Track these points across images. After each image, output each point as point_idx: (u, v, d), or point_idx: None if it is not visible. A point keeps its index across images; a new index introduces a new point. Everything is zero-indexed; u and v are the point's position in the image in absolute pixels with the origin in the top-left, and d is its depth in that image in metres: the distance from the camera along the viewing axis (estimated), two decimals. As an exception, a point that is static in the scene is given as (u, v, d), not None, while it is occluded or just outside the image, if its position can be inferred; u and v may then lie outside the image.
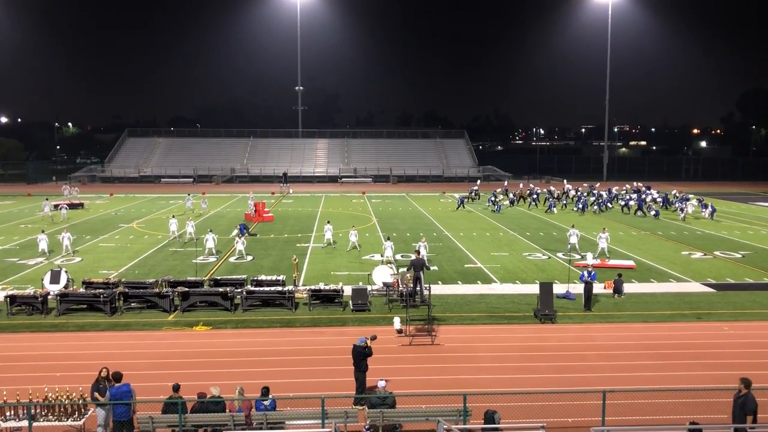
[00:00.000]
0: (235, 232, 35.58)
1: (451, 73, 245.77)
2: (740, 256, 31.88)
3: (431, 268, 24.10)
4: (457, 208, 50.88)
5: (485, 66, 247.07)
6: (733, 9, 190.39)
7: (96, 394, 12.65)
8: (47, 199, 46.77)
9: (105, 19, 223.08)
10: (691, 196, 52.24)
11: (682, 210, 45.84)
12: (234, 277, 24.70)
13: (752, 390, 11.65)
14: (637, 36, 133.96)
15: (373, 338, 15.17)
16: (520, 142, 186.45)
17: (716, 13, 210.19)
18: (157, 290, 22.37)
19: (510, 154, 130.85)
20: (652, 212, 47.14)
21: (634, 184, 59.76)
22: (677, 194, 53.12)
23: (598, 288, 23.94)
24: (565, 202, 52.41)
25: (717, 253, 32.63)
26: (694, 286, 25.69)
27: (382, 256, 29.36)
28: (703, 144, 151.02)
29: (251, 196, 50.29)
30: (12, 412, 12.49)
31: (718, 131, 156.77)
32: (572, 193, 56.49)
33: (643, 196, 53.02)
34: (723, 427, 13.01)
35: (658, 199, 52.68)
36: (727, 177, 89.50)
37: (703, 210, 46.62)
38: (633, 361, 17.41)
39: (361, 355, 14.66)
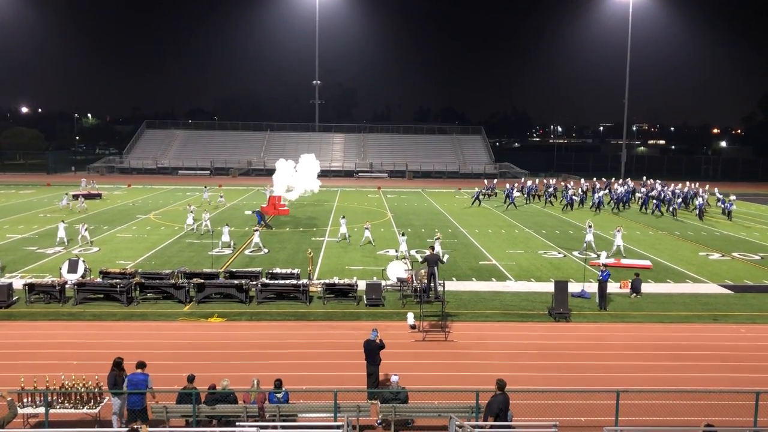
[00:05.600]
0: (249, 212, 36.27)
1: (469, 69, 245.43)
2: (759, 257, 31.50)
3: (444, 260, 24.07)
4: (472, 204, 50.78)
5: (503, 62, 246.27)
6: (755, 6, 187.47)
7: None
8: (66, 193, 47.19)
9: (126, 10, 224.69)
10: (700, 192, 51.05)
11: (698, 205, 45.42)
12: (249, 269, 24.80)
13: None
14: (658, 33, 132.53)
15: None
16: (537, 139, 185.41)
17: (738, 11, 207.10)
18: (173, 281, 22.54)
19: (527, 151, 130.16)
20: (672, 207, 46.72)
21: (650, 181, 58.79)
22: (697, 191, 51.87)
23: (613, 287, 23.79)
24: (583, 198, 52.07)
25: (735, 254, 32.27)
26: (712, 288, 25.43)
27: (396, 251, 29.38)
28: (723, 144, 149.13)
29: (268, 189, 50.41)
30: (29, 399, 12.67)
31: (739, 131, 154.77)
32: (588, 186, 55.82)
33: (662, 195, 51.97)
34: (739, 430, 12.89)
35: (677, 197, 51.67)
36: (748, 178, 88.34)
37: (720, 204, 46.18)
38: (648, 362, 17.28)
39: (375, 348, 14.70)
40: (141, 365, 12.74)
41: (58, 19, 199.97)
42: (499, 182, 62.67)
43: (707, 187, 49.64)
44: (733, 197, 46.73)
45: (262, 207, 44.61)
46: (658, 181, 57.67)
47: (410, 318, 19.92)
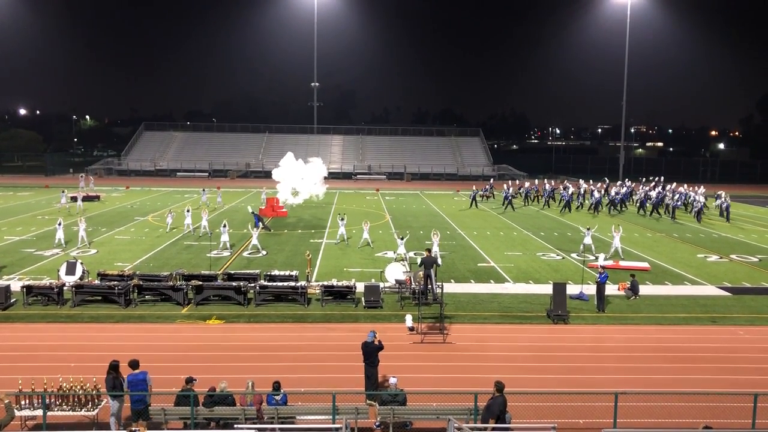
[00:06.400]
0: (250, 209, 38.40)
1: (468, 71, 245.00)
2: (757, 260, 31.54)
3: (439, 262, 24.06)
4: (470, 206, 50.81)
5: (502, 64, 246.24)
6: (753, 8, 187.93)
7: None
8: (64, 191, 47.22)
9: (124, 12, 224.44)
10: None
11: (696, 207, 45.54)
12: (247, 271, 24.76)
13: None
14: (656, 36, 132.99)
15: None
16: (535, 141, 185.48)
17: (736, 13, 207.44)
18: (171, 283, 22.51)
19: (525, 153, 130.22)
20: (670, 206, 46.88)
21: (655, 179, 58.61)
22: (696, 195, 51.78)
23: (612, 289, 23.80)
24: (581, 201, 52.10)
25: (733, 256, 32.30)
26: (710, 290, 25.46)
27: (395, 253, 29.39)
28: (721, 146, 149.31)
29: (264, 191, 50.43)
30: (27, 401, 12.65)
31: (737, 133, 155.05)
32: (585, 188, 55.79)
33: (660, 195, 51.62)
34: None
35: (676, 198, 51.44)
36: (745, 180, 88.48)
37: (717, 200, 46.56)
38: (646, 364, 17.30)
39: (373, 350, 14.69)
40: (134, 365, 12.72)
41: (56, 20, 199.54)
42: (496, 184, 62.71)
43: (701, 189, 49.74)
44: (727, 196, 47.10)
45: (260, 209, 44.65)
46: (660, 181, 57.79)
47: (408, 320, 19.90)
